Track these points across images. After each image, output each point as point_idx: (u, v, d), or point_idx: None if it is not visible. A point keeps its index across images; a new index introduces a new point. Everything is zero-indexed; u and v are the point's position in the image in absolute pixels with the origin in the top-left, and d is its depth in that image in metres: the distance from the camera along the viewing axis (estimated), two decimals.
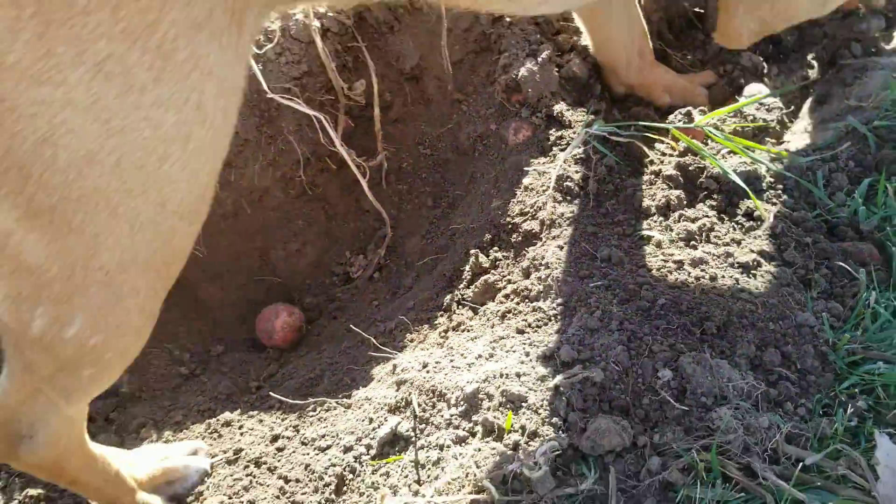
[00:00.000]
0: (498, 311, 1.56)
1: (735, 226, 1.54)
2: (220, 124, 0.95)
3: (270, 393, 1.61)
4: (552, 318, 1.46)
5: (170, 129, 0.90)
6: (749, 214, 1.56)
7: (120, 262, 0.97)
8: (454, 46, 1.87)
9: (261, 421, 1.60)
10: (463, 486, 1.21)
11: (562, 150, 1.70)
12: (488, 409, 1.31)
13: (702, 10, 1.99)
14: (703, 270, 1.44)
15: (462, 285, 1.68)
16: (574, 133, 1.71)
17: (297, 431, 1.53)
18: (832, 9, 1.61)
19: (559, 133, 1.73)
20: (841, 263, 1.41)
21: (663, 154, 1.68)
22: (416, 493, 1.25)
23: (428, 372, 1.44)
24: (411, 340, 1.65)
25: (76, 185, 0.88)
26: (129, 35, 0.84)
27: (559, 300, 1.47)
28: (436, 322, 1.66)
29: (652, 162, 1.65)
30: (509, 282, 1.59)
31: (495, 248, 1.68)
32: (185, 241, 1.05)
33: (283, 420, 1.58)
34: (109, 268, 0.97)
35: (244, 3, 0.93)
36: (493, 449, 1.25)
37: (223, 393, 1.71)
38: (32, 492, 1.49)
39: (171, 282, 1.08)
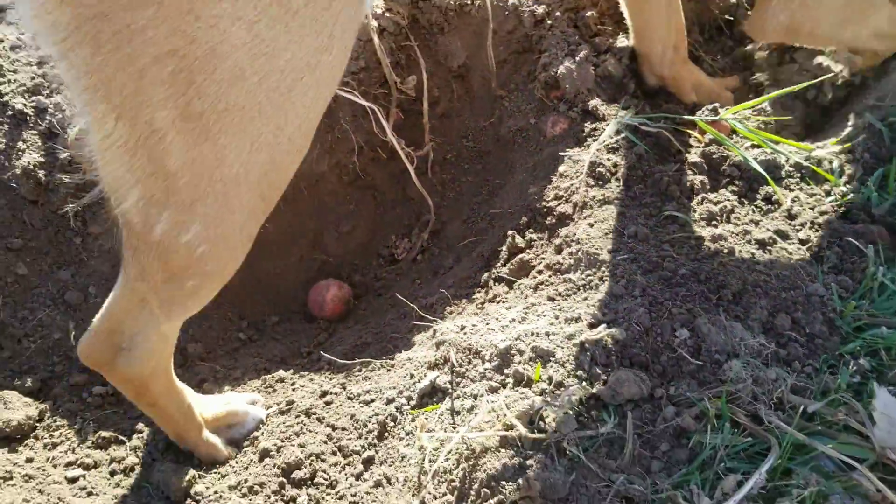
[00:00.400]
0: (531, 284, 1.69)
1: (754, 209, 1.65)
2: (340, 57, 1.07)
3: (321, 353, 1.76)
4: (581, 288, 1.58)
5: (306, 55, 1.02)
6: (768, 199, 1.67)
7: (236, 176, 1.08)
8: (498, 47, 2.03)
9: (311, 379, 1.75)
10: (493, 425, 1.34)
11: (596, 140, 1.83)
12: (519, 363, 1.44)
13: (731, 18, 2.12)
14: (721, 245, 1.55)
15: (499, 264, 1.81)
16: (607, 126, 1.84)
17: (344, 388, 1.67)
18: (851, 43, 1.71)
19: (594, 125, 1.87)
20: (851, 240, 1.52)
21: (689, 145, 1.80)
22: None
23: (465, 333, 1.57)
24: (450, 312, 1.79)
25: (224, 98, 0.99)
26: None
27: (588, 272, 1.60)
28: (473, 297, 1.80)
29: (679, 152, 1.78)
30: (542, 259, 1.72)
31: (531, 230, 1.81)
32: (289, 169, 1.16)
33: (331, 379, 1.73)
34: (227, 180, 1.08)
35: None
36: (523, 395, 1.38)
37: (277, 356, 1.87)
38: (104, 434, 1.66)
39: (270, 207, 1.20)
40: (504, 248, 1.81)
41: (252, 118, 1.03)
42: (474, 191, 2.06)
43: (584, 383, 1.38)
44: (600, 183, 1.75)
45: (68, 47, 0.94)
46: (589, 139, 1.86)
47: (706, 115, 1.82)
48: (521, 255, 1.77)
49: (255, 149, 1.06)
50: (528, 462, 1.27)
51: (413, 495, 1.32)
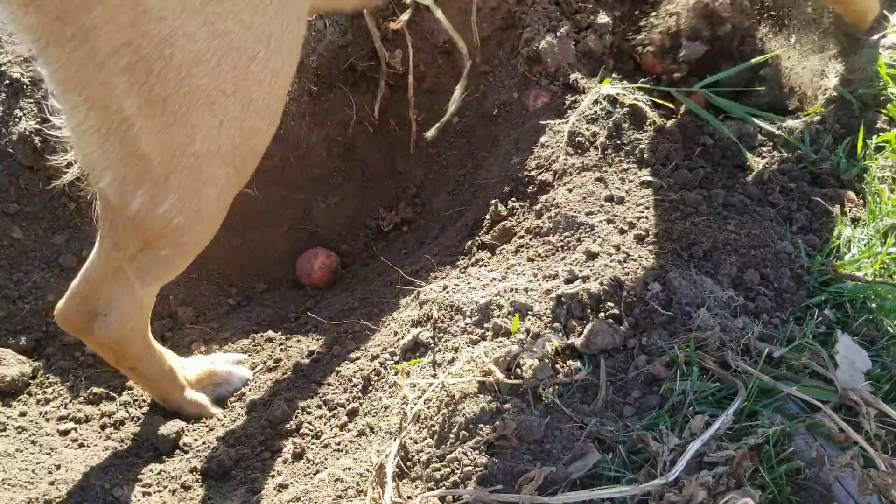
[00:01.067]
0: (512, 248, 1.75)
1: (727, 174, 1.71)
2: (294, 27, 1.15)
3: (309, 313, 1.81)
4: (559, 249, 1.64)
5: (257, 30, 1.10)
6: (741, 166, 1.73)
7: (209, 151, 1.16)
8: (482, 23, 2.08)
9: (298, 340, 1.80)
10: (473, 372, 1.39)
11: (575, 111, 1.89)
12: (498, 316, 1.49)
13: None
14: (694, 208, 1.61)
15: (482, 232, 1.86)
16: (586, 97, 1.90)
17: (330, 348, 1.72)
18: None
19: (574, 98, 1.92)
20: (820, 200, 1.58)
21: (665, 116, 1.86)
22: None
23: (447, 292, 1.62)
24: (435, 278, 1.84)
25: (185, 82, 1.08)
26: None
27: (566, 233, 1.65)
28: (457, 263, 1.85)
29: (654, 122, 1.83)
30: (523, 225, 1.77)
31: (513, 199, 1.87)
32: (261, 141, 1.24)
33: (318, 340, 1.78)
34: (200, 155, 1.16)
35: None
36: (501, 344, 1.43)
37: (265, 320, 1.91)
38: (96, 389, 1.70)
39: (245, 179, 1.27)
40: (487, 216, 1.87)
41: (216, 97, 1.11)
42: (459, 164, 2.12)
43: (559, 334, 1.43)
44: (579, 151, 1.80)
45: (41, 47, 1.05)
46: (570, 111, 1.91)
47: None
48: (503, 223, 1.82)
49: (224, 125, 1.14)
50: (505, 406, 1.32)
51: (394, 440, 1.37)
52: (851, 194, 1.62)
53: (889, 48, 1.86)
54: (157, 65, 1.06)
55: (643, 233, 1.58)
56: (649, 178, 1.70)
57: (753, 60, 1.85)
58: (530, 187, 1.84)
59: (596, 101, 1.84)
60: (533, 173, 1.85)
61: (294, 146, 2.14)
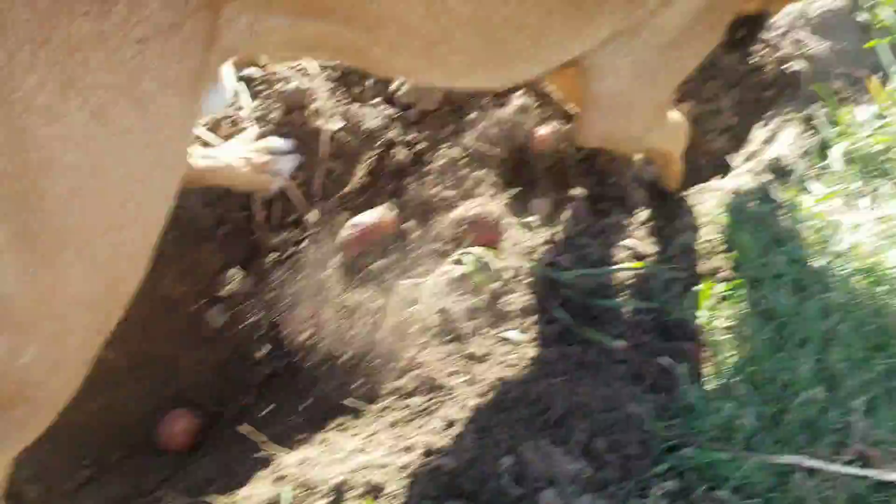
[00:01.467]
0: (378, 409, 1.72)
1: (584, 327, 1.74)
2: (173, 171, 1.11)
3: (166, 485, 1.72)
4: (419, 413, 1.62)
5: (136, 171, 1.05)
6: (597, 317, 1.76)
7: (78, 297, 1.08)
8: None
9: None
10: None
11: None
12: (352, 497, 1.45)
13: None
14: (550, 367, 1.63)
15: (354, 387, 1.83)
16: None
17: None
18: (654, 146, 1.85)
19: None
20: (667, 359, 1.61)
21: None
22: None
23: (305, 466, 1.57)
24: (299, 441, 1.79)
25: (60, 218, 1.01)
26: (119, 84, 0.99)
27: (427, 396, 1.64)
28: (325, 425, 1.81)
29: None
30: (386, 386, 1.75)
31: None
32: (131, 286, 1.15)
33: None
34: (68, 302, 1.08)
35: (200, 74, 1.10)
36: None
37: (121, 494, 1.81)
38: None
39: (109, 328, 1.18)
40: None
41: (91, 238, 1.04)
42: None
43: None
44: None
45: None
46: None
47: None
48: (372, 380, 1.80)
49: (97, 269, 1.07)
50: None
51: None
52: (698, 348, 1.66)
53: (723, 193, 1.96)
54: (34, 196, 0.98)
55: (501, 396, 1.58)
56: (507, 335, 1.71)
57: None
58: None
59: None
60: None
61: (160, 296, 2.07)
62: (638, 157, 2.05)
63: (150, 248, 1.16)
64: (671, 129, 1.83)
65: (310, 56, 1.45)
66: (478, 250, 1.79)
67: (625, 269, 1.83)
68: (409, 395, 1.67)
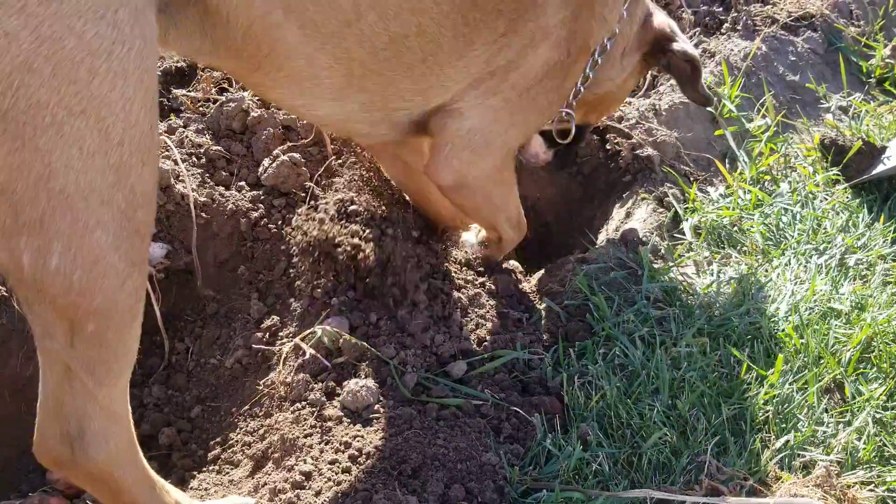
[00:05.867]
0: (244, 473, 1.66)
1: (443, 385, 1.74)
2: (140, 50, 1.07)
3: None
4: (275, 468, 1.57)
5: (92, 42, 1.02)
6: (458, 380, 1.77)
7: (77, 187, 1.05)
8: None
9: None
10: None
11: None
12: None
13: None
14: (408, 423, 1.61)
15: (228, 448, 1.77)
16: None
17: None
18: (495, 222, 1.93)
19: None
20: (523, 412, 1.63)
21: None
22: None
23: None
24: None
25: (21, 95, 0.99)
26: None
27: (286, 455, 1.60)
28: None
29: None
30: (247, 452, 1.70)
31: (251, 418, 1.80)
32: (142, 182, 1.12)
33: None
34: (69, 191, 1.05)
35: None
36: None
37: None
38: None
39: (144, 228, 1.16)
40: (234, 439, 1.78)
41: (64, 119, 1.02)
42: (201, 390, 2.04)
43: None
44: None
45: None
46: None
47: None
48: (239, 447, 1.75)
49: (86, 155, 1.05)
50: None
51: None
52: (556, 402, 1.69)
53: (585, 262, 2.05)
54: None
55: (356, 452, 1.55)
56: (362, 394, 1.70)
57: None
58: (255, 408, 1.79)
59: None
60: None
61: (8, 378, 1.98)
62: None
63: (148, 139, 1.12)
64: (515, 212, 1.96)
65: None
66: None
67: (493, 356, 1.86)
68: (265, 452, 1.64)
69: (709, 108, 2.64)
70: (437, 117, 1.65)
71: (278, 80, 1.44)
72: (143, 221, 1.16)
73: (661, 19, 1.95)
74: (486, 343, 1.83)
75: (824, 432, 1.70)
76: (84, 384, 1.20)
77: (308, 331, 1.77)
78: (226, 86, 2.26)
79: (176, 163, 2.03)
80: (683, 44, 1.96)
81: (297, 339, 1.77)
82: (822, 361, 1.83)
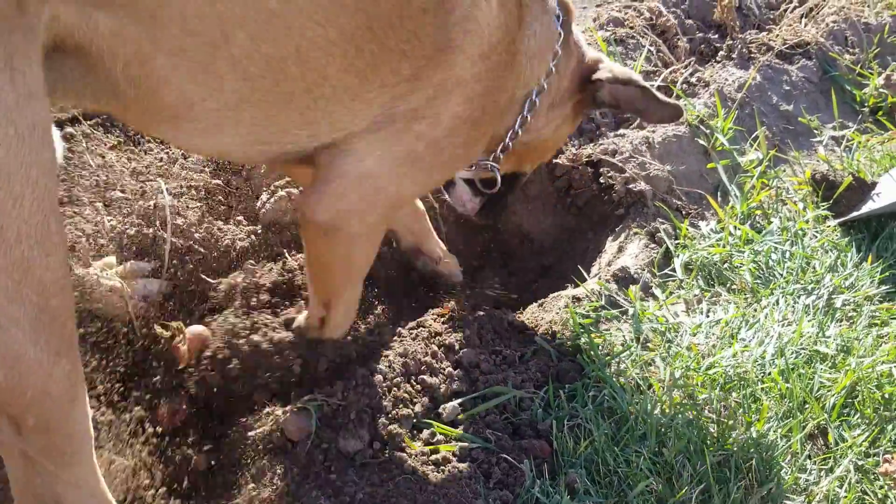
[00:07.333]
0: None
1: (433, 430, 1.77)
2: (19, 149, 1.06)
3: None
4: None
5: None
6: (450, 422, 1.80)
7: None
8: None
9: None
10: None
11: None
12: None
13: None
14: (399, 468, 1.64)
15: None
16: None
17: None
18: None
19: None
20: (512, 458, 1.66)
21: None
22: None
23: None
24: None
25: None
26: None
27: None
28: None
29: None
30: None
31: None
32: (49, 272, 1.12)
33: None
34: None
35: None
36: None
37: None
38: None
39: (61, 315, 1.15)
40: None
41: None
42: None
43: None
44: None
45: None
46: None
47: None
48: None
49: None
50: None
51: None
52: (545, 445, 1.72)
53: (577, 300, 2.08)
54: None
55: (348, 498, 1.58)
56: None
57: None
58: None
59: None
60: None
61: None
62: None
63: (45, 227, 1.11)
64: (355, 297, 1.82)
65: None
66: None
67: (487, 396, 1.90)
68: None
69: (701, 142, 2.67)
70: (329, 152, 1.52)
71: (159, 118, 1.38)
72: (60, 307, 1.17)
73: (591, 55, 1.85)
74: (478, 382, 1.86)
75: (806, 480, 1.74)
76: (45, 467, 1.22)
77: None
78: None
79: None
80: (609, 67, 1.83)
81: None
82: (806, 407, 1.87)
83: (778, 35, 3.43)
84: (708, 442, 1.74)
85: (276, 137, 1.46)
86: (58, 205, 1.18)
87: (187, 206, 2.06)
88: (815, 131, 3.02)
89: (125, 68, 1.26)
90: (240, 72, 1.31)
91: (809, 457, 1.78)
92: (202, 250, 2.01)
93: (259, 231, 2.08)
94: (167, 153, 2.24)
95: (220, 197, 2.14)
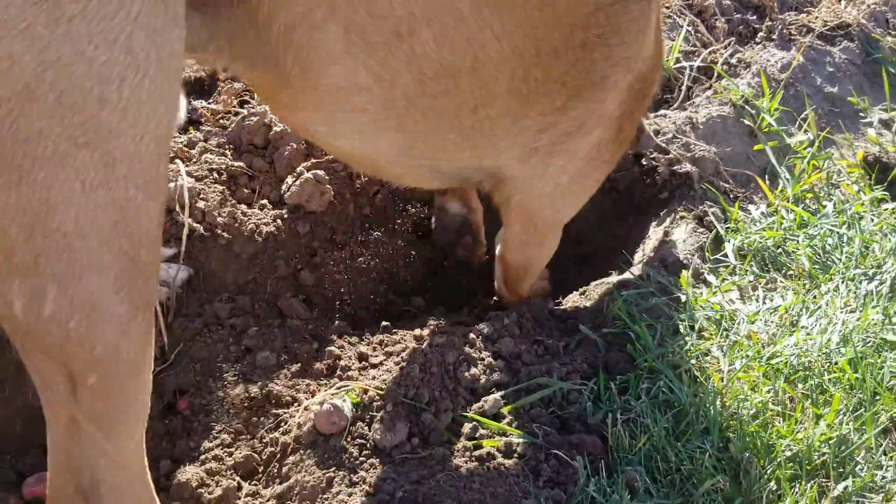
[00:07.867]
0: None
1: (474, 425, 1.64)
2: (155, 78, 0.96)
3: None
4: None
5: (103, 68, 0.91)
6: (491, 415, 1.67)
7: (77, 224, 0.95)
8: None
9: None
10: None
11: None
12: None
13: None
14: (441, 465, 1.52)
15: None
16: None
17: None
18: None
19: None
20: (563, 454, 1.53)
21: None
22: None
23: None
24: None
25: (21, 123, 0.88)
26: None
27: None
28: None
29: None
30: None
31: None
32: (147, 219, 1.02)
33: None
34: (67, 229, 0.94)
35: None
36: None
37: None
38: None
39: (147, 269, 1.05)
40: None
41: (67, 149, 0.91)
42: None
43: None
44: None
45: None
46: None
47: None
48: None
49: (89, 189, 0.94)
50: None
51: None
52: (597, 441, 1.58)
53: (623, 287, 1.95)
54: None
55: (387, 497, 1.45)
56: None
57: None
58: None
59: None
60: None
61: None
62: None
63: (159, 171, 1.01)
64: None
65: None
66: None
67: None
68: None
69: (747, 122, 2.54)
70: (503, 188, 1.64)
71: (306, 99, 1.31)
72: (148, 261, 1.06)
73: None
74: (520, 373, 1.73)
75: (883, 477, 1.60)
76: (93, 437, 1.11)
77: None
78: (247, 98, 2.16)
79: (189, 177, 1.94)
80: None
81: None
82: (877, 398, 1.72)
83: (817, 16, 3.28)
84: (775, 437, 1.60)
85: (432, 153, 1.43)
86: (169, 150, 1.08)
87: (208, 189, 1.94)
88: (862, 114, 2.88)
89: (287, 32, 1.16)
90: (415, 72, 1.25)
91: (885, 453, 1.64)
92: (226, 235, 1.89)
93: (285, 215, 1.96)
94: (186, 137, 2.13)
95: (244, 180, 2.03)
